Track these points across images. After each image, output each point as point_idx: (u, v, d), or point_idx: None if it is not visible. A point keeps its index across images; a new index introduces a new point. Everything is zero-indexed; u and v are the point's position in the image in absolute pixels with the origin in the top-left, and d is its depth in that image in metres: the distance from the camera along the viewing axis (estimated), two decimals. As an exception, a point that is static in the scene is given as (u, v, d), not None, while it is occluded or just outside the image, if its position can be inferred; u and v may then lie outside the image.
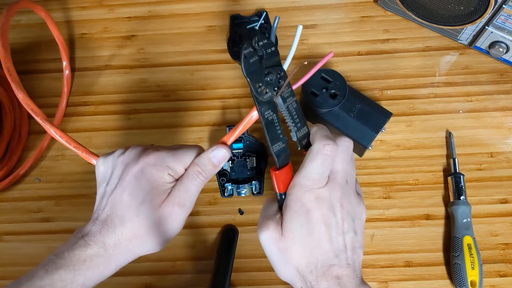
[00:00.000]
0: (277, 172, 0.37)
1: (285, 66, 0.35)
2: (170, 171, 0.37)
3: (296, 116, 0.37)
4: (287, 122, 0.37)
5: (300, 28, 0.33)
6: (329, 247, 0.33)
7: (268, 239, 0.35)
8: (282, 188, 0.37)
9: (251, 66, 0.35)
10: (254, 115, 0.37)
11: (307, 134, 0.38)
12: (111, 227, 0.35)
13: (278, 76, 0.36)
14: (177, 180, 0.37)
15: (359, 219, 0.36)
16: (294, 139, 0.37)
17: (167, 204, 0.36)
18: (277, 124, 0.37)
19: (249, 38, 0.37)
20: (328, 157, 0.35)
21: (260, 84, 0.35)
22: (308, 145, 0.37)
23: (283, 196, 0.37)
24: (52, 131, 0.42)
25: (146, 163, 0.36)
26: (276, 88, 0.36)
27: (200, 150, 0.39)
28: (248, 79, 0.34)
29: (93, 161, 0.40)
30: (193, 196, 0.37)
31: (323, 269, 0.33)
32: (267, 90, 0.35)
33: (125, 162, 0.37)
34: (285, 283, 0.53)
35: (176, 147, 0.38)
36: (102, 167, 0.38)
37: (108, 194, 0.36)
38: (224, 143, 0.38)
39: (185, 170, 0.38)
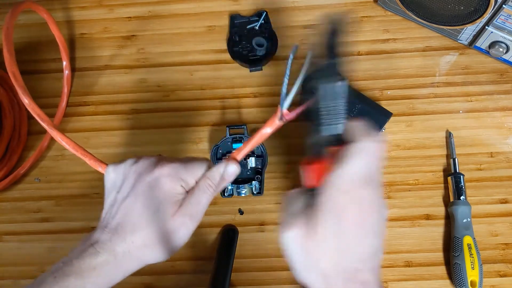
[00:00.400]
0: (311, 165, 0.34)
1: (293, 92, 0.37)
2: (182, 183, 0.37)
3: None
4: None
5: (309, 54, 0.35)
6: (359, 251, 0.31)
7: (293, 238, 0.32)
8: (314, 183, 0.34)
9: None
10: (265, 132, 0.39)
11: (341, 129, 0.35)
12: (122, 235, 0.36)
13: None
14: (187, 191, 0.38)
15: (383, 221, 0.33)
16: (329, 132, 0.35)
17: (179, 215, 0.37)
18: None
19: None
20: (375, 158, 0.32)
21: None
22: (340, 140, 0.34)
23: (313, 192, 0.33)
24: (58, 138, 0.42)
25: (161, 173, 0.37)
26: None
27: (209, 164, 0.40)
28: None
29: (100, 169, 0.41)
30: (203, 208, 0.38)
31: (350, 274, 0.31)
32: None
33: (138, 172, 0.37)
34: (285, 283, 0.53)
35: (187, 160, 0.39)
36: (113, 174, 0.39)
37: (119, 202, 0.37)
38: (235, 159, 0.40)
39: (196, 182, 0.39)
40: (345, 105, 0.35)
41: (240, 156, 0.40)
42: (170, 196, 0.37)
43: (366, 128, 0.33)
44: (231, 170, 0.39)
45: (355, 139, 0.32)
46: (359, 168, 0.31)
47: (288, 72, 0.35)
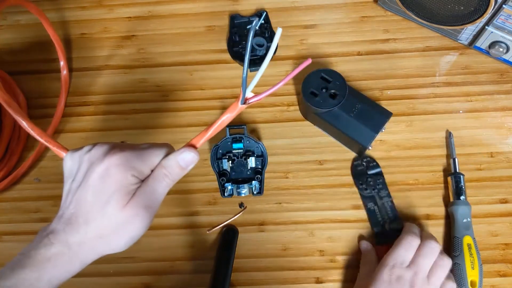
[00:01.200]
0: (376, 247, 0.52)
1: (263, 68, 0.35)
2: (134, 172, 0.36)
3: (389, 211, 0.53)
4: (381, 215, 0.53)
5: (279, 31, 0.33)
6: None
7: None
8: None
9: (357, 171, 0.55)
10: (225, 118, 0.37)
11: (399, 229, 0.51)
12: (75, 226, 0.35)
13: (377, 181, 0.54)
14: (142, 181, 0.37)
15: None
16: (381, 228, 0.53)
17: (131, 205, 0.35)
18: (378, 213, 0.53)
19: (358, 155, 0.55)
20: (411, 246, 0.47)
21: (362, 182, 0.54)
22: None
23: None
24: (24, 123, 0.41)
25: (111, 163, 0.35)
26: (374, 188, 0.54)
27: (169, 150, 0.38)
28: (354, 179, 0.55)
29: (63, 154, 0.40)
30: (158, 198, 0.37)
31: None
32: (367, 188, 0.54)
33: (91, 160, 0.36)
34: (285, 283, 0.53)
35: (143, 147, 0.37)
36: (70, 162, 0.38)
37: (73, 192, 0.36)
38: (193, 146, 0.38)
39: (152, 171, 0.37)
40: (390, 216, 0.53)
41: (200, 142, 0.38)
42: (121, 187, 0.35)
43: (412, 228, 0.49)
44: (188, 157, 0.37)
45: (402, 234, 0.48)
46: (401, 252, 0.47)
47: (248, 54, 0.33)
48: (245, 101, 0.36)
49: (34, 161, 0.58)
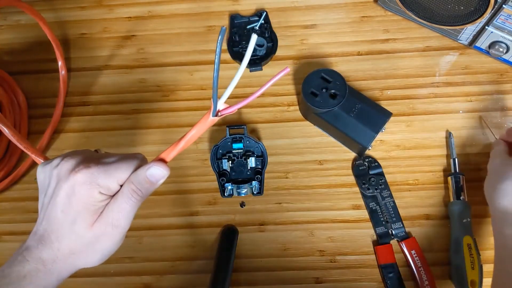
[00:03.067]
0: (378, 247, 0.52)
1: (240, 72, 0.33)
2: (101, 189, 0.34)
3: (392, 211, 0.53)
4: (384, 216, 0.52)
5: (254, 37, 0.31)
6: None
7: None
8: (382, 260, 0.52)
9: (359, 171, 0.55)
10: (195, 132, 0.36)
11: (403, 231, 0.52)
12: (48, 243, 0.34)
13: (379, 181, 0.54)
14: (112, 196, 0.36)
15: None
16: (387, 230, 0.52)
17: (99, 224, 0.35)
18: (380, 213, 0.53)
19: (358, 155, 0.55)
20: None
21: (364, 182, 0.53)
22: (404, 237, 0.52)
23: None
24: (6, 130, 0.41)
25: (75, 181, 0.34)
26: (377, 188, 0.53)
27: (139, 163, 0.37)
28: (356, 179, 0.55)
29: (40, 162, 0.40)
30: (128, 215, 0.35)
31: None
32: (370, 187, 0.54)
33: (58, 176, 0.35)
34: (285, 283, 0.53)
35: (111, 161, 0.36)
36: (41, 175, 0.37)
37: (45, 207, 0.36)
38: (163, 160, 0.37)
39: (120, 186, 0.36)
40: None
41: (170, 155, 0.37)
42: (87, 205, 0.34)
43: None
44: (157, 172, 0.36)
45: None
46: None
47: (218, 62, 0.31)
48: (216, 113, 0.34)
49: (33, 161, 0.58)
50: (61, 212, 0.34)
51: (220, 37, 0.30)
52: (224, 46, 0.62)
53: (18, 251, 0.35)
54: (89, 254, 0.35)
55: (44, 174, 0.37)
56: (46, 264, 0.34)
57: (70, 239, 0.34)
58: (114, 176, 0.35)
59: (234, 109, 0.34)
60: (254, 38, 0.31)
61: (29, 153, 0.41)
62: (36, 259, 0.34)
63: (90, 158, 0.36)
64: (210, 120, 0.34)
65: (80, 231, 0.34)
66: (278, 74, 0.32)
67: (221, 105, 0.34)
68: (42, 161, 0.39)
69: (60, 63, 0.61)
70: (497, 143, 0.51)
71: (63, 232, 0.34)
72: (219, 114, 0.34)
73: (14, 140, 0.41)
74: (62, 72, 0.61)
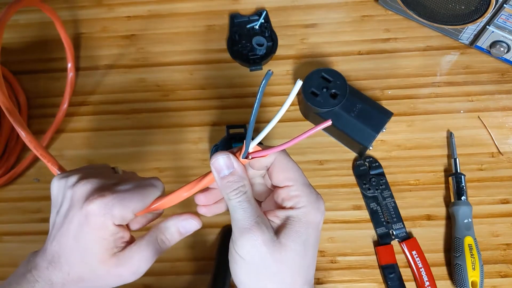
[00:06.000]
0: (379, 247, 0.51)
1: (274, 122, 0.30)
2: (116, 220, 0.33)
3: (392, 211, 0.53)
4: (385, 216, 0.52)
5: (299, 84, 0.29)
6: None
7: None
8: (383, 261, 0.51)
9: (360, 171, 0.54)
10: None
11: (404, 231, 0.52)
12: (58, 266, 0.34)
13: (380, 181, 0.53)
14: (126, 226, 0.34)
15: None
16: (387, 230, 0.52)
17: (114, 264, 0.33)
18: (381, 213, 0.53)
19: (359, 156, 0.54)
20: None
21: (365, 182, 0.53)
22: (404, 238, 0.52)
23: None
24: (23, 134, 0.40)
25: (89, 211, 0.33)
26: (378, 189, 0.53)
27: (157, 192, 0.35)
28: (357, 179, 0.54)
29: (56, 172, 0.39)
30: (149, 264, 0.34)
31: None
32: (370, 188, 0.53)
33: (72, 201, 0.34)
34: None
35: (126, 189, 0.34)
36: (55, 190, 0.36)
37: (58, 227, 0.34)
38: (196, 215, 0.35)
39: (135, 215, 0.34)
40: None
41: (186, 195, 0.35)
42: (100, 238, 0.33)
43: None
44: (190, 226, 0.35)
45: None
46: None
47: (258, 103, 0.29)
48: (247, 155, 0.31)
49: (33, 161, 0.58)
50: (73, 239, 0.33)
51: (264, 81, 0.28)
52: (224, 46, 0.62)
53: (26, 266, 0.34)
54: (98, 283, 0.34)
55: (58, 190, 0.35)
56: (55, 287, 0.34)
57: (81, 268, 0.34)
58: (129, 206, 0.33)
59: (266, 153, 0.31)
60: (299, 84, 0.29)
61: (45, 161, 0.39)
62: (46, 280, 0.33)
63: (106, 184, 0.34)
64: (241, 161, 0.32)
65: (93, 264, 0.33)
66: (321, 126, 0.29)
67: (252, 147, 0.31)
68: (57, 171, 0.39)
69: (69, 64, 0.60)
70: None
71: (74, 259, 0.34)
72: (250, 157, 0.31)
73: (31, 146, 0.39)
74: (70, 74, 0.60)
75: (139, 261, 0.34)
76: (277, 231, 0.32)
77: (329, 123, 0.29)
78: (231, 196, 0.32)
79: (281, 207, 0.33)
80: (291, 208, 0.33)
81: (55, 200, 0.36)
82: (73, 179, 0.35)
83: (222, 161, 0.32)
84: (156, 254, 0.35)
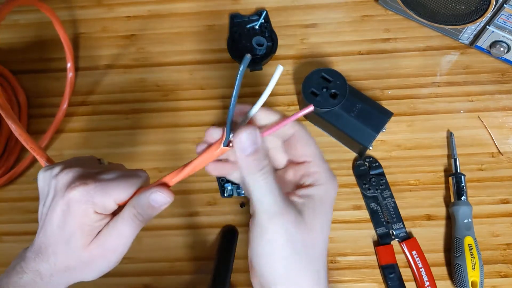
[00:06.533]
0: (379, 247, 0.52)
1: (258, 105, 0.30)
2: (97, 208, 0.32)
3: (392, 211, 0.53)
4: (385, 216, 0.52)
5: (280, 69, 0.28)
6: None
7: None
8: (383, 261, 0.51)
9: (360, 171, 0.54)
10: (203, 159, 0.32)
11: (404, 231, 0.52)
12: (45, 256, 0.34)
13: (380, 181, 0.53)
14: (108, 215, 0.34)
15: None
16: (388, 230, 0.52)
17: (96, 246, 0.33)
18: (381, 213, 0.53)
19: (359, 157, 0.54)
20: None
21: (365, 182, 0.53)
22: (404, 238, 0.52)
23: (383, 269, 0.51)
24: (13, 127, 0.40)
25: (70, 198, 0.32)
26: (378, 189, 0.53)
27: (142, 182, 0.34)
28: (356, 179, 0.54)
29: (45, 163, 0.39)
30: (127, 240, 0.34)
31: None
32: (370, 188, 0.54)
33: (55, 190, 0.34)
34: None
35: (110, 178, 0.34)
36: (41, 182, 0.36)
37: (44, 217, 0.35)
38: (166, 184, 0.34)
39: (118, 205, 0.34)
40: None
41: (173, 180, 0.34)
42: (82, 225, 0.33)
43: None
44: (160, 198, 0.33)
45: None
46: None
47: (236, 93, 0.28)
48: (228, 143, 0.30)
49: (32, 161, 0.58)
50: (57, 228, 0.33)
51: (242, 66, 0.27)
52: (224, 46, 0.62)
53: (17, 259, 0.35)
54: (85, 271, 0.35)
55: (44, 181, 0.36)
56: (43, 277, 0.34)
57: (66, 256, 0.34)
58: (111, 195, 0.33)
59: (276, 128, 0.31)
60: (279, 69, 0.28)
61: (34, 153, 0.40)
62: (33, 271, 0.34)
63: (89, 173, 0.34)
64: (220, 150, 0.31)
65: (76, 250, 0.33)
66: (303, 111, 0.29)
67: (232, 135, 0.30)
68: (46, 163, 0.39)
69: (69, 64, 0.60)
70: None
71: (59, 248, 0.34)
72: (231, 144, 0.30)
73: (21, 139, 0.40)
74: (70, 74, 0.60)
75: (116, 238, 0.33)
76: (301, 211, 0.30)
77: (311, 108, 0.29)
78: (257, 176, 0.29)
79: (298, 184, 0.32)
80: (310, 185, 0.31)
81: (42, 192, 0.36)
82: (57, 169, 0.35)
83: (245, 136, 0.29)
84: (131, 230, 0.33)
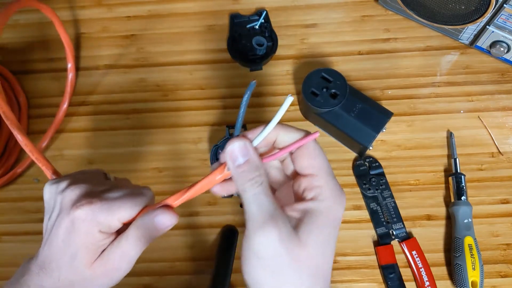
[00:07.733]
0: (379, 247, 0.51)
1: (265, 133, 0.30)
2: (102, 227, 0.33)
3: (392, 211, 0.53)
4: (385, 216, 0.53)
5: (290, 99, 0.29)
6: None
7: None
8: (383, 261, 0.51)
9: (360, 171, 0.55)
10: (207, 182, 0.32)
11: (404, 231, 0.52)
12: (49, 271, 0.34)
13: (380, 181, 0.54)
14: (113, 233, 0.34)
15: None
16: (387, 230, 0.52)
17: (99, 265, 0.33)
18: (381, 213, 0.53)
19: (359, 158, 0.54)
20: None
21: (365, 182, 0.53)
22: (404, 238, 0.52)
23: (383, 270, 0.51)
24: (19, 137, 0.40)
25: (76, 216, 0.33)
26: (378, 189, 0.53)
27: (146, 201, 0.35)
28: (356, 179, 0.54)
29: (50, 175, 0.39)
30: (131, 259, 0.34)
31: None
32: (370, 188, 0.54)
33: (61, 206, 0.34)
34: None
35: (115, 197, 0.34)
36: (47, 195, 0.36)
37: (49, 231, 0.35)
38: (170, 207, 0.34)
39: (123, 224, 0.34)
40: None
41: (176, 202, 0.34)
42: (87, 243, 0.33)
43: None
44: (165, 220, 0.33)
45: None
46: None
47: (243, 111, 0.29)
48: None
49: (32, 161, 0.58)
50: (62, 243, 0.33)
51: (247, 93, 0.28)
52: (224, 46, 0.62)
53: (20, 271, 0.35)
54: (88, 286, 0.34)
55: (50, 195, 0.36)
56: None
57: (70, 272, 0.34)
58: (116, 214, 0.33)
59: (274, 157, 0.31)
60: (289, 100, 0.29)
61: (39, 164, 0.40)
62: (37, 285, 0.34)
63: (95, 191, 0.34)
64: (226, 173, 0.31)
65: (80, 267, 0.33)
66: (309, 138, 0.30)
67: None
68: (52, 175, 0.39)
69: (69, 65, 0.60)
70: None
71: (63, 263, 0.34)
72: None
73: (26, 149, 0.40)
74: (70, 74, 0.60)
75: (120, 258, 0.33)
76: (296, 226, 0.30)
77: (316, 135, 0.30)
78: (246, 187, 0.30)
79: (300, 198, 0.31)
80: (311, 199, 0.30)
81: (47, 205, 0.36)
82: (63, 184, 0.35)
83: (237, 148, 0.30)
84: (136, 251, 0.34)
